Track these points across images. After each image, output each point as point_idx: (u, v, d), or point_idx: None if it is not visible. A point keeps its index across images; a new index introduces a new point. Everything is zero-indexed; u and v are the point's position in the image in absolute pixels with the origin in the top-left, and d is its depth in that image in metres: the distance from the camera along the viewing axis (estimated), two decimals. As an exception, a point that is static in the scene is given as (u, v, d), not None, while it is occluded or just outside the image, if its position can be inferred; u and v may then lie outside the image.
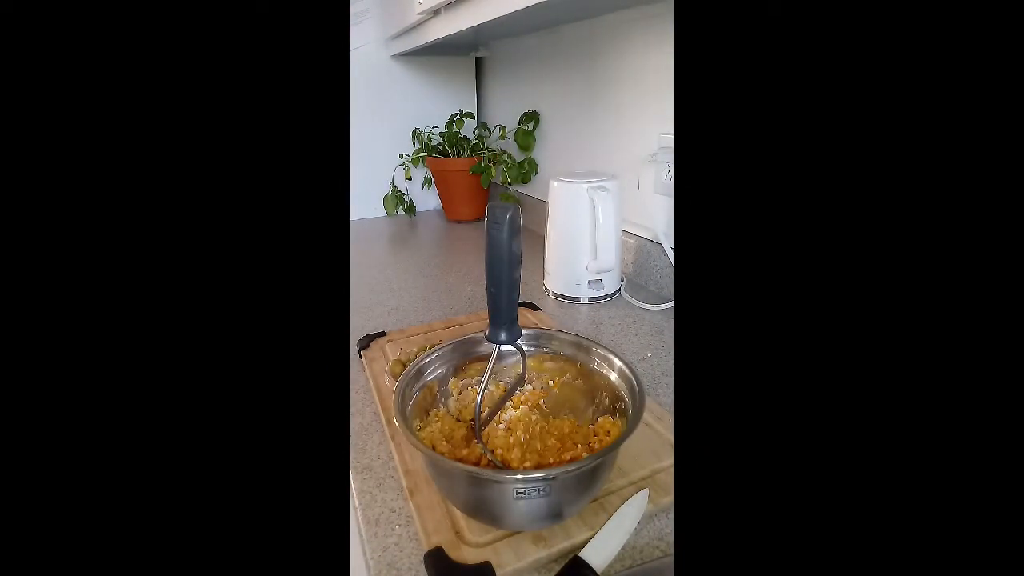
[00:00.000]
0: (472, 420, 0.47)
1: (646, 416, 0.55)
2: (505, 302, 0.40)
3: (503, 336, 0.42)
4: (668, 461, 0.50)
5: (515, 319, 0.42)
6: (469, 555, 0.40)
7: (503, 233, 0.37)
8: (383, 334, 0.76)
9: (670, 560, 0.39)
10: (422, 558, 0.40)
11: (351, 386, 0.66)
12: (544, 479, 0.37)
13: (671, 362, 0.69)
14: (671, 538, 0.42)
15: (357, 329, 0.79)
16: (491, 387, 0.53)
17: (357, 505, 0.47)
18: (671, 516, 0.44)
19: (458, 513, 0.44)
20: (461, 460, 0.44)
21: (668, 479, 0.47)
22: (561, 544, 0.41)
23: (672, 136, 0.86)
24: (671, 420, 0.55)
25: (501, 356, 0.52)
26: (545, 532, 0.42)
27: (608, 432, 0.47)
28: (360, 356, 0.71)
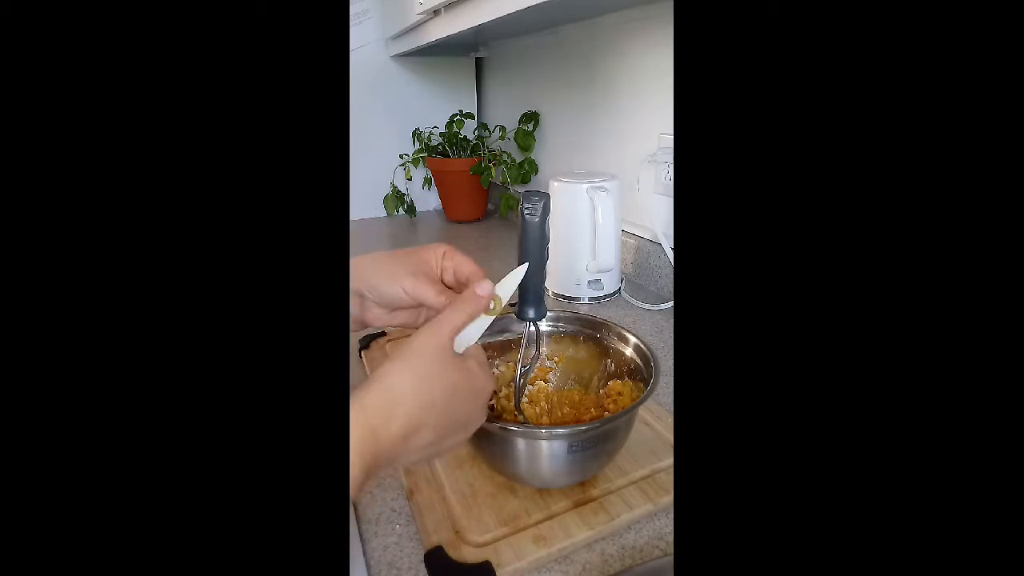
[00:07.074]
0: (510, 393, 0.52)
1: (646, 416, 0.56)
2: (535, 281, 0.43)
3: (531, 314, 0.44)
4: (668, 461, 0.50)
5: (542, 298, 0.44)
6: (469, 555, 0.40)
7: (536, 217, 0.40)
8: (384, 334, 0.76)
9: (670, 560, 0.39)
10: (422, 558, 0.41)
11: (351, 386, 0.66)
12: (596, 427, 0.42)
13: (671, 362, 0.69)
14: (671, 538, 0.42)
15: (357, 329, 0.79)
16: (503, 367, 0.57)
17: (357, 505, 0.47)
18: (671, 516, 0.45)
19: (458, 513, 0.44)
20: None
21: (668, 479, 0.47)
22: (561, 543, 0.41)
23: (672, 136, 0.86)
24: (671, 420, 0.55)
25: (503, 333, 0.55)
26: (545, 532, 0.42)
27: (620, 393, 0.50)
28: (361, 356, 0.72)
